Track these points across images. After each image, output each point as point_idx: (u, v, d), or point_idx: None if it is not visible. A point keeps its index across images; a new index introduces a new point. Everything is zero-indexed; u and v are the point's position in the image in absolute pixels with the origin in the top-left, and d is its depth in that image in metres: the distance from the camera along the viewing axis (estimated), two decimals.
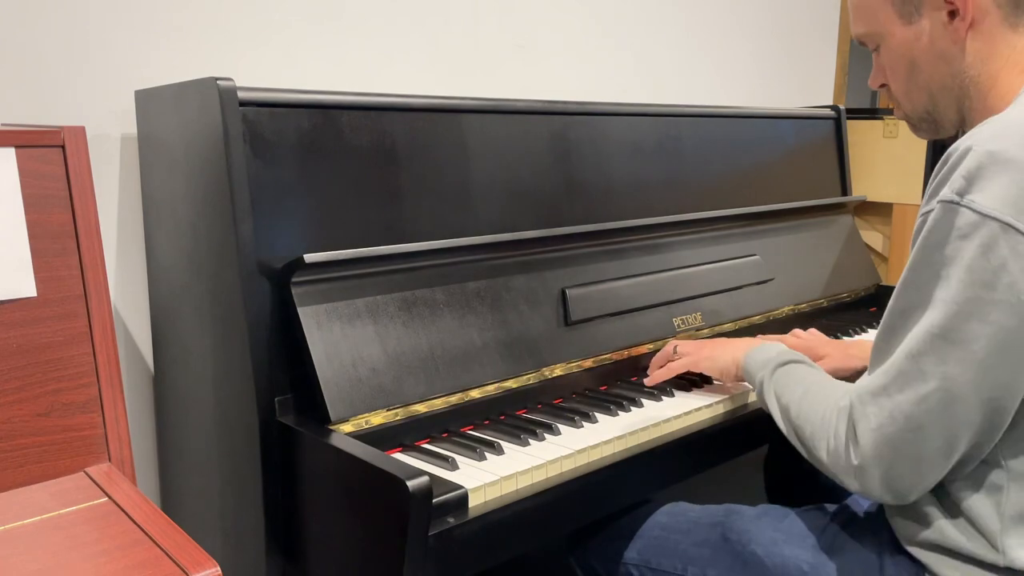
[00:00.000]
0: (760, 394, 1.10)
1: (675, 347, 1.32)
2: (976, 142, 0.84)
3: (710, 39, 2.23)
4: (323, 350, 1.06)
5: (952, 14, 0.94)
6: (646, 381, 1.30)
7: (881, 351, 0.91)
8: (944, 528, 0.91)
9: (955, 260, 0.83)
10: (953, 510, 0.91)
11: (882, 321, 0.92)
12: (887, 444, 0.87)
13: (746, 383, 1.22)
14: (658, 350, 1.41)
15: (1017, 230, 0.81)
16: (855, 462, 0.89)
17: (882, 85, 1.05)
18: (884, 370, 0.88)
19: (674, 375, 1.29)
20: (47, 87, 1.23)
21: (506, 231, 1.31)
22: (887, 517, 1.01)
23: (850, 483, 0.92)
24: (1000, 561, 0.88)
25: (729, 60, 2.29)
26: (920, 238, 0.87)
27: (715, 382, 1.32)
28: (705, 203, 1.67)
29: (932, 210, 0.86)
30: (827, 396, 0.97)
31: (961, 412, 0.84)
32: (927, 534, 0.93)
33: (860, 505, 1.12)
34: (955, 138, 0.90)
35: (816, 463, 0.97)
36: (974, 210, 0.82)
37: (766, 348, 1.15)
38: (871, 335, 1.50)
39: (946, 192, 0.85)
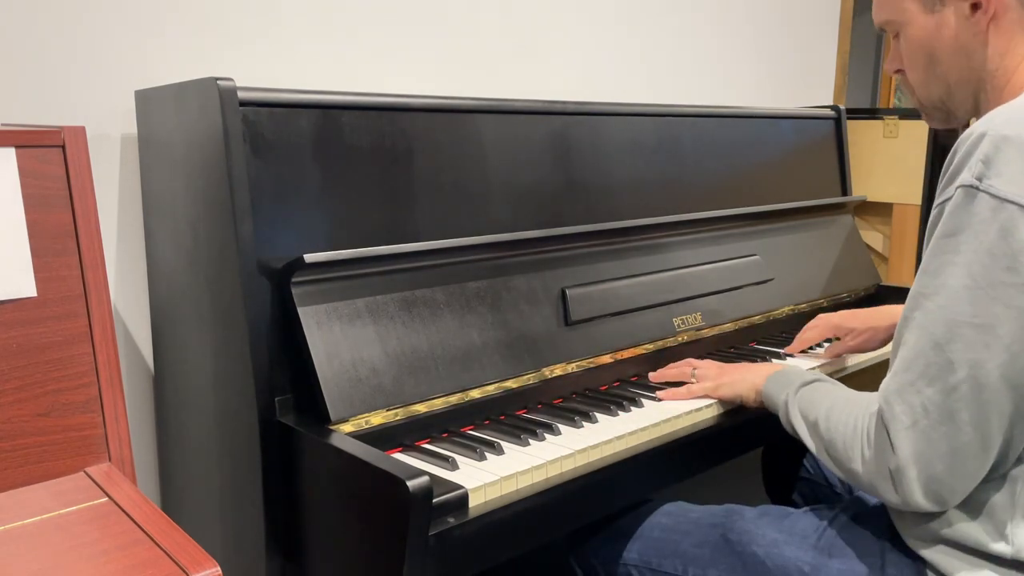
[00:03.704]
0: (784, 416, 1.08)
1: (693, 369, 1.30)
2: (991, 127, 0.85)
3: (710, 39, 2.23)
4: (323, 350, 1.06)
5: (975, 7, 0.95)
6: (659, 394, 1.26)
7: (904, 341, 0.89)
8: (953, 517, 0.91)
9: (975, 245, 0.83)
10: (965, 500, 0.90)
11: (903, 312, 0.90)
12: (923, 441, 0.85)
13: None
14: (658, 350, 1.41)
15: None
16: (891, 465, 0.88)
17: (898, 70, 1.05)
18: (908, 364, 0.87)
19: (692, 398, 1.25)
20: (47, 87, 1.23)
21: (506, 231, 1.31)
22: (892, 511, 1.01)
23: (887, 491, 0.90)
24: (1007, 552, 0.88)
25: (729, 60, 2.29)
26: (939, 226, 0.87)
27: None
28: (705, 203, 1.67)
29: (950, 198, 0.86)
30: (856, 404, 0.96)
31: (992, 399, 0.83)
32: (934, 526, 0.93)
33: (861, 505, 1.11)
34: (965, 127, 0.91)
35: (850, 476, 0.95)
36: (992, 194, 0.83)
37: (787, 372, 1.13)
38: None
39: (965, 177, 0.85)
